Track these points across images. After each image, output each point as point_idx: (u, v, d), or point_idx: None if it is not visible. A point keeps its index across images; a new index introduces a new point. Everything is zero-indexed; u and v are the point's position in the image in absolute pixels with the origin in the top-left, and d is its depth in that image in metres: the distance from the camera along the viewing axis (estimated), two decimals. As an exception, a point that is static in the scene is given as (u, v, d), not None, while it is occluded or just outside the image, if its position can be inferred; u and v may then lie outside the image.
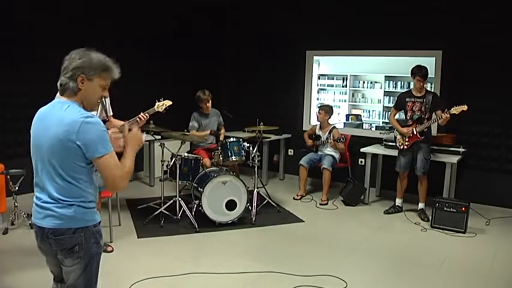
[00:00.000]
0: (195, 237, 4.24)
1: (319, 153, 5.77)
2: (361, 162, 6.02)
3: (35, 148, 1.90)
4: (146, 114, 3.68)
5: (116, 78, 1.96)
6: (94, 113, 3.37)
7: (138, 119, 3.63)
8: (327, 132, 5.70)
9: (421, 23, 5.49)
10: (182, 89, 6.06)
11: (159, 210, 4.55)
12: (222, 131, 5.68)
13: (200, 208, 4.44)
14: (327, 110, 5.69)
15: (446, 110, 4.53)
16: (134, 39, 6.10)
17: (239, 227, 4.52)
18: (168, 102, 3.85)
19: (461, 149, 5.14)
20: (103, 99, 3.62)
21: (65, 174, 1.81)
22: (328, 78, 6.48)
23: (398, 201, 5.19)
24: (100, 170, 1.83)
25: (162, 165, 4.80)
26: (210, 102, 5.40)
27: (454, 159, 5.02)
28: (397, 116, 5.07)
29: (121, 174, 1.85)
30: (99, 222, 1.96)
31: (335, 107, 6.38)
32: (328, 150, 5.69)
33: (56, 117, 1.81)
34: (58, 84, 1.88)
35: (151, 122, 4.54)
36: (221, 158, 4.89)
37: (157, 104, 3.81)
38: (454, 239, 4.39)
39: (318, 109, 5.78)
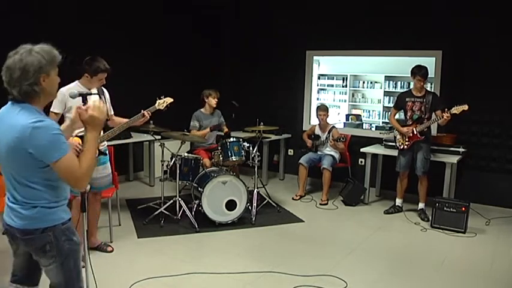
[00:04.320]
0: (195, 237, 4.24)
1: (319, 153, 5.77)
2: (361, 162, 6.02)
3: None
4: (148, 112, 3.67)
5: (60, 59, 1.87)
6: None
7: (141, 116, 3.63)
8: (326, 132, 5.70)
9: (421, 23, 5.49)
10: (182, 89, 6.05)
11: (159, 210, 4.55)
12: (225, 128, 5.65)
13: (200, 208, 4.44)
14: (326, 110, 5.68)
15: (446, 109, 4.54)
16: (134, 40, 6.10)
17: (239, 227, 4.52)
18: (169, 100, 3.83)
19: (461, 149, 5.14)
20: (103, 98, 3.64)
21: (22, 179, 1.80)
22: (328, 78, 6.48)
23: (398, 201, 5.18)
24: (58, 173, 1.79)
25: (162, 165, 4.79)
26: (217, 99, 5.42)
27: (454, 159, 5.02)
28: (397, 116, 5.07)
29: (80, 173, 1.80)
30: (69, 219, 1.95)
31: (335, 107, 6.40)
32: (328, 150, 5.69)
33: (8, 122, 1.77)
34: (16, 95, 1.76)
35: (151, 121, 4.53)
36: (221, 158, 4.88)
37: (158, 102, 3.79)
38: (454, 239, 4.39)
39: (318, 111, 5.71)
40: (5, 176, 1.86)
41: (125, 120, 3.66)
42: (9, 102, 1.83)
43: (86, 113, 1.89)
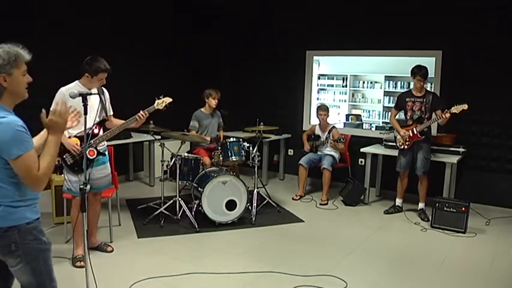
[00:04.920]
0: (195, 237, 4.24)
1: (319, 153, 5.77)
2: (361, 162, 6.02)
3: None
4: (146, 112, 3.64)
5: (28, 59, 1.89)
6: (93, 113, 3.39)
7: (137, 117, 3.60)
8: (327, 132, 5.70)
9: (421, 23, 5.49)
10: (182, 89, 6.06)
11: (159, 210, 4.55)
12: (221, 132, 5.67)
13: (200, 208, 4.44)
14: (326, 110, 5.68)
15: (446, 109, 4.54)
16: (134, 40, 6.10)
17: (239, 227, 4.52)
18: (168, 100, 3.79)
19: (461, 149, 5.14)
20: (103, 98, 3.63)
21: None
22: (328, 78, 6.48)
23: (398, 201, 5.18)
24: (16, 171, 1.80)
25: (162, 165, 4.79)
26: (217, 100, 5.41)
27: (454, 159, 5.02)
28: (397, 117, 5.07)
29: (36, 174, 1.81)
30: (37, 219, 1.94)
31: (335, 107, 6.40)
32: (328, 150, 5.69)
33: None
34: None
35: (151, 122, 4.53)
36: (221, 158, 4.88)
37: (157, 101, 3.75)
38: (454, 239, 4.39)
39: (318, 111, 5.73)
40: None
41: (122, 122, 3.65)
42: None
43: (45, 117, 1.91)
